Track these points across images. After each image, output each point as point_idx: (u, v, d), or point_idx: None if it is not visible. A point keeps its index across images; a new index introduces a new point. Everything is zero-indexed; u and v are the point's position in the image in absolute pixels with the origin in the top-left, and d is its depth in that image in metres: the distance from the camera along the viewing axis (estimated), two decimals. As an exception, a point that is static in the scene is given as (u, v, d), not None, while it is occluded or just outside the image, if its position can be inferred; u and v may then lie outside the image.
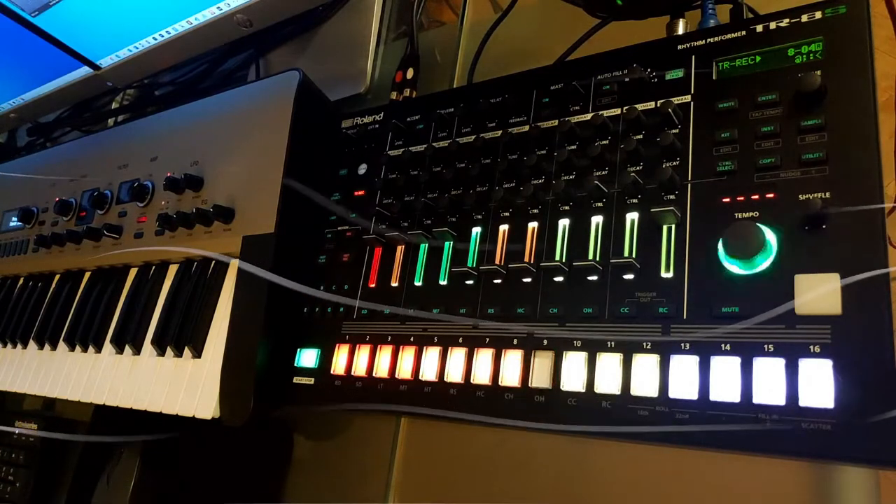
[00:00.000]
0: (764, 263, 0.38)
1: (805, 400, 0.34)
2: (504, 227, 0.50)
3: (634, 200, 0.44)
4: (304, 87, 0.63)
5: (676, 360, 0.39)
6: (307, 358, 0.56)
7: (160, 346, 0.63)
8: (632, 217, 0.44)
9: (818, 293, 0.36)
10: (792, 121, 0.40)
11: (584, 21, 0.57)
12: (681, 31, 0.52)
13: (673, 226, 0.42)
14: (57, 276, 0.82)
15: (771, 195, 0.40)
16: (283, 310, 0.57)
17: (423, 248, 0.53)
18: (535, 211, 0.48)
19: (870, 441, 0.33)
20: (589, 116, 0.48)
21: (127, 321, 0.69)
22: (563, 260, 0.45)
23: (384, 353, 0.51)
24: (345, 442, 0.66)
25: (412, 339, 0.50)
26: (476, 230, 0.51)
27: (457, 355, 0.47)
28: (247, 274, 0.59)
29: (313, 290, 0.57)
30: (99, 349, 0.70)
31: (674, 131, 0.45)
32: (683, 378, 0.38)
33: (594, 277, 0.44)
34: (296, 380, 0.56)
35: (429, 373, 0.48)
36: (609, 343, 0.42)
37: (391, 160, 0.59)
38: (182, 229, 0.66)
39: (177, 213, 0.66)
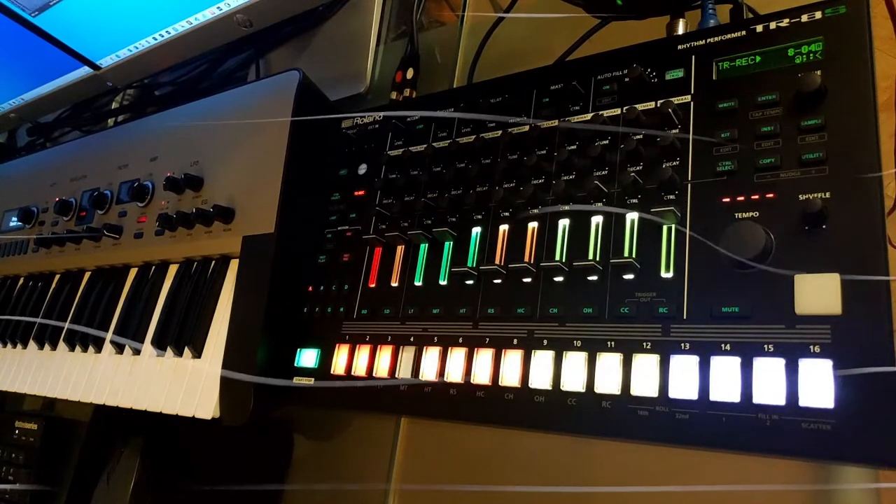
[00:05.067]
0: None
1: (805, 400, 0.34)
2: (504, 227, 0.50)
3: (634, 200, 0.44)
4: (304, 87, 0.63)
5: (676, 360, 0.39)
6: (307, 358, 0.56)
7: (160, 346, 0.63)
8: (632, 217, 0.44)
9: (818, 293, 0.36)
10: (792, 121, 0.40)
11: (584, 21, 0.57)
12: (681, 31, 0.52)
13: (673, 226, 0.42)
14: (57, 276, 0.82)
15: (771, 195, 0.40)
16: (283, 310, 0.57)
17: (423, 248, 0.53)
18: (536, 211, 0.48)
19: (870, 441, 0.33)
20: (589, 116, 0.48)
21: (127, 321, 0.69)
22: (563, 260, 0.45)
23: (384, 353, 0.51)
24: (345, 442, 0.66)
25: (412, 339, 0.50)
26: (476, 230, 0.51)
27: (457, 355, 0.47)
28: (247, 274, 0.59)
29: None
30: (99, 349, 0.70)
31: (674, 131, 0.45)
32: (683, 378, 0.38)
33: (594, 277, 0.44)
34: (296, 380, 0.56)
35: (429, 373, 0.48)
36: (609, 343, 0.42)
37: (391, 160, 0.59)
38: (182, 229, 0.66)
39: (177, 213, 0.66)
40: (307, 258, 0.60)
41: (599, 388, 0.41)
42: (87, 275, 0.78)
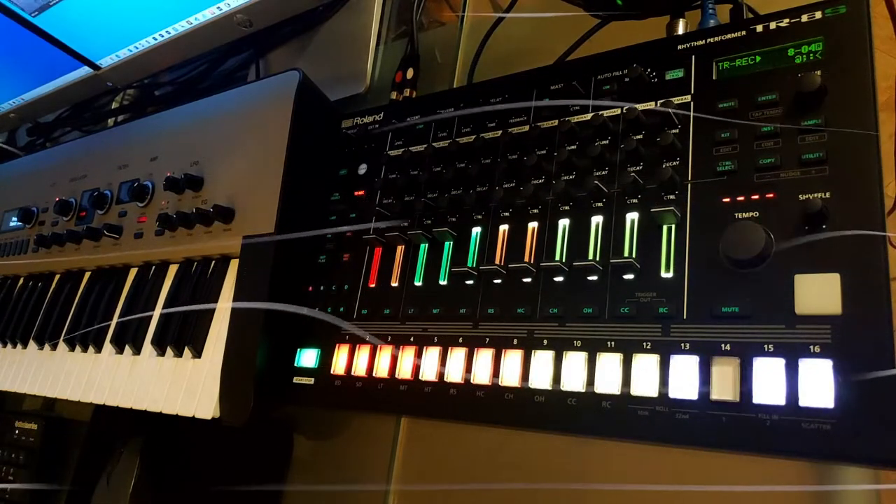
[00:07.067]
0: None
1: (805, 400, 0.34)
2: (504, 227, 0.50)
3: (634, 200, 0.44)
4: (304, 87, 0.63)
5: (676, 360, 0.39)
6: (307, 358, 0.56)
7: (160, 346, 0.63)
8: (632, 217, 0.44)
9: (818, 293, 0.36)
10: (792, 121, 0.40)
11: (584, 21, 0.57)
12: (681, 31, 0.52)
13: (673, 226, 0.42)
14: (57, 276, 0.82)
15: (771, 195, 0.39)
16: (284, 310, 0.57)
17: (423, 248, 0.53)
18: (535, 211, 0.48)
19: (870, 441, 0.33)
20: (589, 116, 0.48)
21: (127, 321, 0.69)
22: (563, 260, 0.45)
23: (384, 353, 0.51)
24: (345, 442, 0.66)
25: (412, 339, 0.50)
26: (476, 230, 0.51)
27: (457, 355, 0.47)
28: (247, 274, 0.59)
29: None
30: (99, 349, 0.70)
31: (674, 131, 0.45)
32: (683, 378, 0.38)
33: (594, 277, 0.44)
34: (296, 380, 0.56)
35: (429, 373, 0.48)
36: (609, 343, 0.42)
37: (391, 160, 0.59)
38: (182, 229, 0.66)
39: (177, 213, 0.66)
40: (307, 258, 0.60)
41: (599, 388, 0.41)
42: (87, 275, 0.78)
